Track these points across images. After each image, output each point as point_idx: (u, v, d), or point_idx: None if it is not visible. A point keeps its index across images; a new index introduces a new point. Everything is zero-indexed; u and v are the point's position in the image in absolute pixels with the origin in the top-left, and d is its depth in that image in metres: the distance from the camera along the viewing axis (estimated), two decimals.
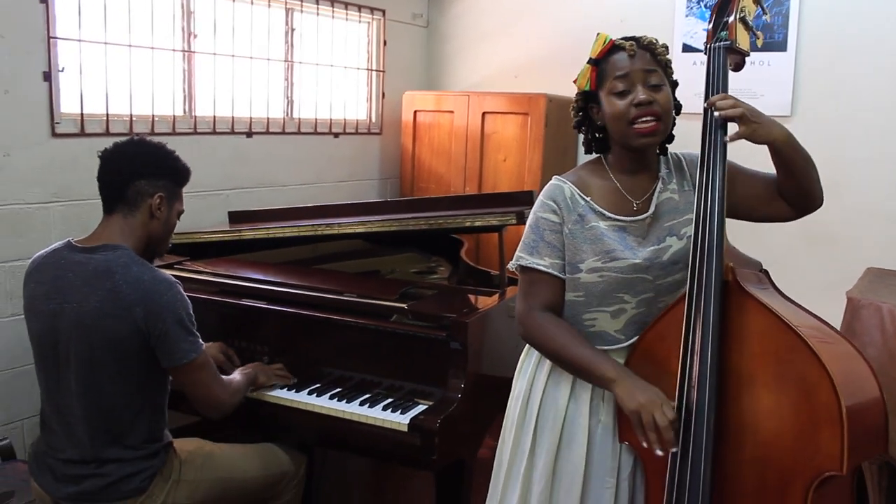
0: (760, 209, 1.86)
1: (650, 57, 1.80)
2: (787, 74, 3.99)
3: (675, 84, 1.88)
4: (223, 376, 2.32)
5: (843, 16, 3.87)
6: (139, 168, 2.18)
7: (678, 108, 1.89)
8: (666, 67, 1.83)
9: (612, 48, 1.81)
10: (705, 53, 1.82)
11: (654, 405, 1.65)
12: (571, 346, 1.80)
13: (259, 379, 2.48)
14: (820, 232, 3.92)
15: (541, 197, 1.90)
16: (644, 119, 1.76)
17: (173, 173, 2.25)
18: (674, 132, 1.90)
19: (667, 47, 1.85)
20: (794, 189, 1.79)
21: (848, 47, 3.87)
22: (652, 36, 1.84)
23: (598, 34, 1.84)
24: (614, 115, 1.79)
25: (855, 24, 3.85)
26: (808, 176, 1.77)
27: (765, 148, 1.75)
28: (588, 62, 1.84)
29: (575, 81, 1.88)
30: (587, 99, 1.88)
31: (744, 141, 1.73)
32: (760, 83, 3.98)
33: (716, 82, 1.77)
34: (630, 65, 1.78)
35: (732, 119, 1.70)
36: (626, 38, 1.82)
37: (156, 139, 2.29)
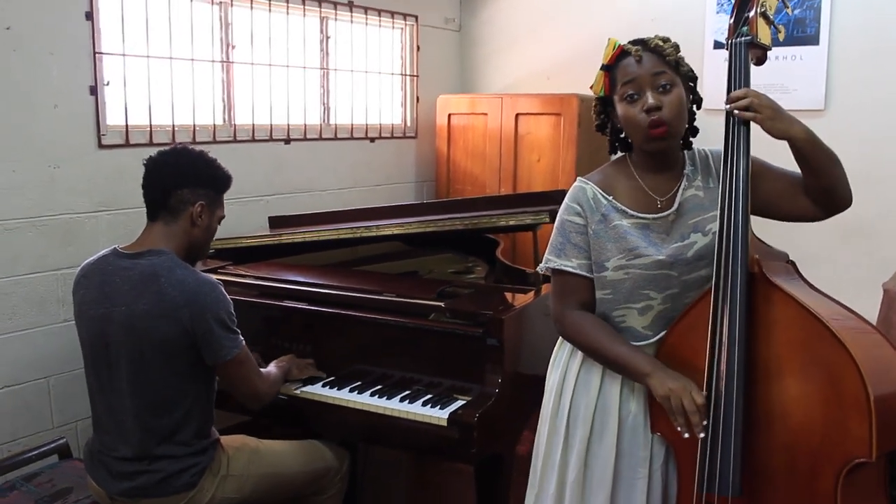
0: (786, 207, 1.86)
1: (658, 59, 1.82)
2: (820, 68, 3.97)
3: (692, 78, 1.88)
4: (261, 369, 2.41)
5: (875, 9, 3.84)
6: (181, 177, 2.26)
7: (699, 101, 1.91)
8: (677, 66, 1.83)
9: (621, 53, 1.84)
10: (726, 49, 1.84)
11: (683, 391, 1.70)
12: (607, 342, 1.86)
13: (292, 372, 2.57)
14: (855, 226, 3.90)
15: (565, 200, 1.94)
16: (655, 126, 1.78)
17: (214, 181, 2.33)
18: (696, 125, 1.92)
19: (677, 46, 1.85)
20: (817, 187, 1.79)
21: (881, 39, 3.84)
22: (662, 36, 1.86)
23: (608, 40, 1.87)
24: (626, 120, 1.83)
25: (888, 15, 3.81)
26: (831, 174, 1.77)
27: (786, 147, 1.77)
28: (601, 68, 1.88)
29: (591, 88, 1.91)
30: (604, 103, 1.92)
31: (768, 140, 1.75)
32: (793, 78, 3.97)
33: (738, 77, 1.78)
34: (637, 70, 1.80)
35: (741, 108, 1.71)
36: (633, 42, 1.85)
37: (197, 147, 2.36)
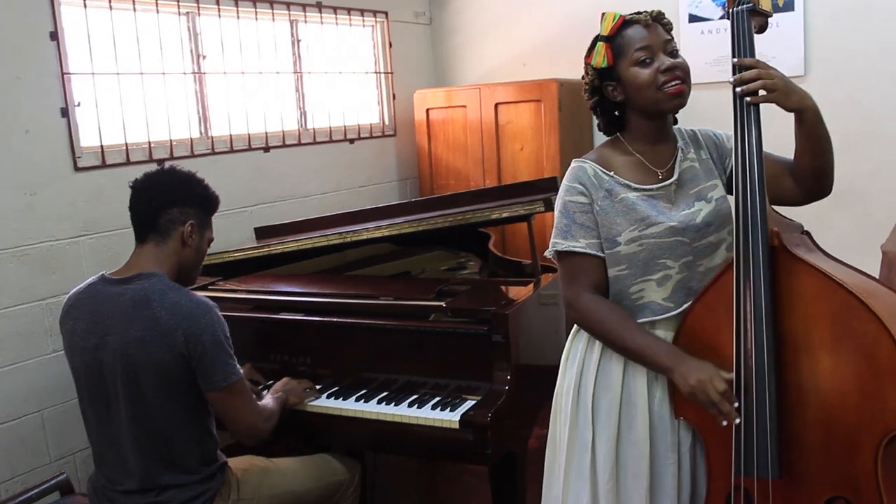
0: (771, 189, 1.82)
1: (662, 28, 1.85)
2: (798, 34, 3.95)
3: None
4: (257, 402, 2.32)
5: None
6: (170, 197, 2.20)
7: None
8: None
9: (625, 23, 1.84)
10: (727, 18, 1.80)
11: (704, 384, 1.66)
12: (624, 331, 1.81)
13: (290, 400, 2.47)
14: (846, 189, 3.85)
15: (565, 181, 1.90)
16: (673, 83, 1.79)
17: (203, 201, 2.27)
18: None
19: (671, 23, 1.90)
20: (810, 168, 1.78)
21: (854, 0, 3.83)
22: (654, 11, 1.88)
23: (603, 14, 1.87)
24: (642, 83, 1.81)
25: None
26: (827, 154, 1.77)
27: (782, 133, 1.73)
28: (601, 39, 1.86)
29: (589, 61, 1.88)
30: (603, 77, 1.88)
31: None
32: (771, 46, 3.92)
33: (742, 46, 1.75)
34: (649, 35, 1.82)
35: (754, 92, 1.68)
36: (636, 13, 1.85)
37: (178, 164, 2.31)
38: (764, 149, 1.84)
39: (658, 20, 1.85)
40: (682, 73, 1.80)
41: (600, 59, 1.85)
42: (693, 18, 4.17)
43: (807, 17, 3.94)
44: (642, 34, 1.82)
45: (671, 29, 1.87)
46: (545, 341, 2.69)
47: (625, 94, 1.85)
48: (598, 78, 1.89)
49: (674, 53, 1.82)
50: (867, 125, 3.76)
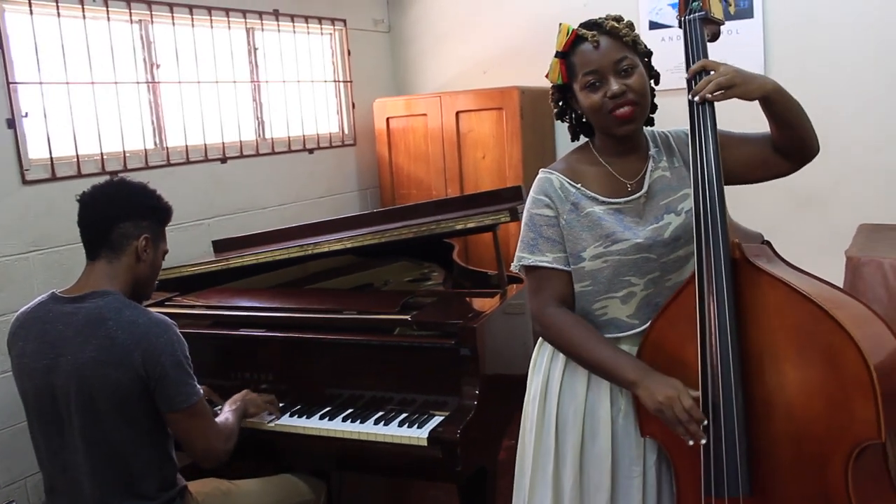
0: (758, 171, 1.83)
1: (615, 42, 1.76)
2: (757, 41, 3.98)
3: (648, 54, 1.85)
4: (216, 421, 2.24)
5: None
6: (122, 210, 2.11)
7: (656, 77, 1.87)
8: (635, 45, 1.79)
9: (577, 39, 1.79)
10: (680, 27, 1.79)
11: (672, 400, 1.62)
12: (588, 345, 1.77)
13: (249, 410, 2.41)
14: (808, 194, 3.92)
15: (532, 193, 1.86)
16: (621, 108, 1.74)
17: (156, 213, 2.19)
18: (656, 101, 1.87)
19: (632, 24, 1.81)
20: (790, 140, 1.76)
21: (813, 5, 3.87)
22: (615, 15, 1.80)
23: (560, 25, 1.81)
24: (591, 108, 1.77)
25: None
26: (803, 124, 1.75)
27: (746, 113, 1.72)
28: (556, 55, 1.82)
29: (547, 76, 1.85)
30: (563, 90, 1.85)
31: (726, 110, 1.70)
32: (731, 53, 3.93)
33: (695, 55, 1.74)
34: (597, 58, 1.75)
35: (717, 99, 1.67)
36: (587, 26, 1.79)
37: (132, 177, 2.23)
38: (741, 130, 1.82)
39: (612, 33, 1.76)
40: (633, 96, 1.73)
41: (555, 75, 1.83)
42: (654, 25, 4.18)
43: (766, 23, 3.97)
44: (591, 56, 1.75)
45: (628, 37, 1.76)
46: (513, 352, 2.64)
47: (582, 110, 1.82)
48: (559, 91, 1.86)
49: (627, 71, 1.74)
50: (828, 131, 3.70)
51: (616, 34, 1.76)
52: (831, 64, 3.85)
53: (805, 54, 3.90)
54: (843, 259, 2.90)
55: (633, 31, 1.80)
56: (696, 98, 1.68)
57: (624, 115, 1.74)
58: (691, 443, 1.62)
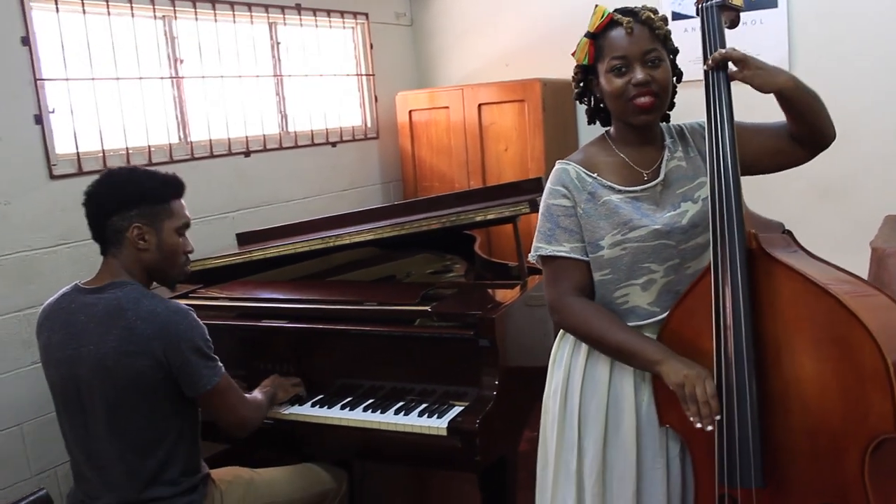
0: (774, 160, 1.83)
1: (648, 32, 1.76)
2: (782, 30, 3.94)
3: (675, 52, 1.84)
4: (245, 394, 2.30)
5: None
6: (108, 205, 2.11)
7: (679, 75, 1.87)
8: (665, 40, 1.79)
9: (610, 23, 1.78)
10: (697, 15, 1.77)
11: (698, 378, 1.61)
12: (611, 330, 1.76)
13: (278, 395, 2.47)
14: (832, 185, 3.88)
15: (548, 184, 1.87)
16: (643, 96, 1.74)
17: (146, 196, 2.13)
18: (674, 100, 1.87)
19: (666, 19, 1.80)
20: (807, 131, 1.76)
21: None
22: (651, 7, 1.79)
23: (595, 6, 1.80)
24: (613, 92, 1.77)
25: None
26: (819, 115, 1.74)
27: (765, 103, 1.71)
28: (586, 35, 1.81)
29: (573, 54, 1.85)
30: (586, 71, 1.86)
31: (744, 101, 1.69)
32: (755, 43, 3.92)
33: (712, 42, 1.72)
34: (628, 44, 1.74)
35: (731, 59, 1.67)
36: (624, 12, 1.78)
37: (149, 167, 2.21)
38: (755, 120, 1.81)
39: (647, 23, 1.76)
40: (656, 87, 1.74)
41: (582, 55, 1.83)
42: (676, 16, 4.14)
43: (790, 13, 3.93)
44: (622, 41, 1.75)
45: (661, 30, 1.76)
46: (534, 343, 2.64)
47: (602, 95, 1.83)
48: (583, 72, 1.86)
49: (654, 63, 1.74)
50: (854, 121, 3.73)
51: (651, 25, 1.76)
52: (856, 53, 3.81)
53: (830, 44, 3.86)
54: (868, 250, 2.88)
55: (667, 25, 1.80)
56: (710, 62, 1.68)
57: (644, 105, 1.74)
58: (699, 425, 1.62)
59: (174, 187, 2.19)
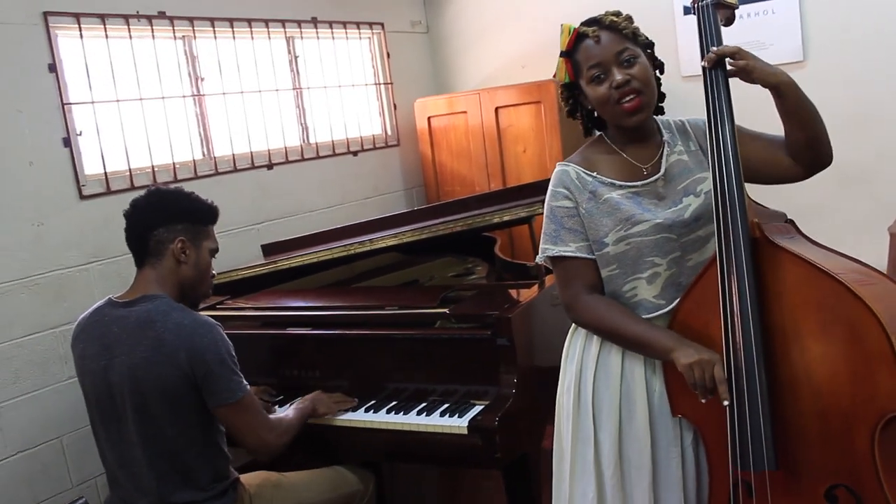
0: (766, 169, 1.84)
1: (615, 35, 1.81)
2: (794, 19, 3.93)
3: (649, 45, 1.88)
4: (272, 416, 2.34)
5: None
6: (155, 218, 2.22)
7: (660, 66, 1.91)
8: (635, 37, 1.84)
9: (579, 36, 1.84)
10: (693, 14, 1.81)
11: (707, 363, 1.65)
12: (625, 322, 1.82)
13: (318, 410, 2.49)
14: (852, 172, 3.85)
15: (550, 186, 1.92)
16: (627, 98, 1.78)
17: (192, 214, 2.27)
18: (667, 90, 1.91)
19: (630, 17, 1.86)
20: (802, 141, 1.76)
21: None
22: (613, 11, 1.86)
23: (561, 26, 1.87)
24: (599, 101, 1.83)
25: None
26: (816, 126, 1.75)
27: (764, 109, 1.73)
28: (561, 55, 1.87)
29: (554, 76, 1.91)
30: (571, 88, 1.91)
31: (748, 104, 1.71)
32: (769, 33, 3.92)
33: (709, 41, 1.76)
34: (599, 51, 1.81)
35: (725, 54, 1.70)
36: (588, 23, 1.84)
37: (175, 184, 2.31)
38: (754, 129, 1.84)
39: (612, 26, 1.82)
40: (637, 84, 1.78)
41: (562, 74, 1.88)
42: (688, 11, 4.14)
43: (803, 2, 3.92)
44: (593, 50, 1.81)
45: (627, 29, 1.82)
46: (555, 341, 2.66)
47: (592, 105, 1.88)
48: (568, 89, 1.92)
49: (630, 61, 1.79)
50: (870, 108, 3.72)
51: (615, 27, 1.82)
52: (871, 39, 3.78)
53: (845, 31, 3.84)
54: (888, 236, 2.88)
55: (632, 23, 1.85)
56: (705, 63, 1.72)
57: (631, 108, 1.79)
58: (704, 401, 1.66)
59: (214, 214, 2.34)
